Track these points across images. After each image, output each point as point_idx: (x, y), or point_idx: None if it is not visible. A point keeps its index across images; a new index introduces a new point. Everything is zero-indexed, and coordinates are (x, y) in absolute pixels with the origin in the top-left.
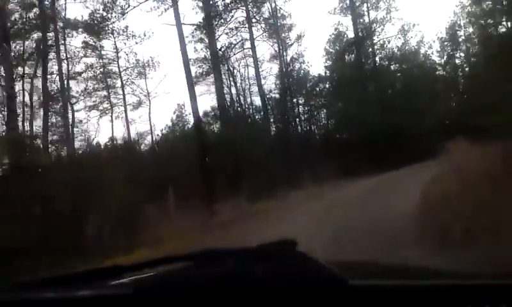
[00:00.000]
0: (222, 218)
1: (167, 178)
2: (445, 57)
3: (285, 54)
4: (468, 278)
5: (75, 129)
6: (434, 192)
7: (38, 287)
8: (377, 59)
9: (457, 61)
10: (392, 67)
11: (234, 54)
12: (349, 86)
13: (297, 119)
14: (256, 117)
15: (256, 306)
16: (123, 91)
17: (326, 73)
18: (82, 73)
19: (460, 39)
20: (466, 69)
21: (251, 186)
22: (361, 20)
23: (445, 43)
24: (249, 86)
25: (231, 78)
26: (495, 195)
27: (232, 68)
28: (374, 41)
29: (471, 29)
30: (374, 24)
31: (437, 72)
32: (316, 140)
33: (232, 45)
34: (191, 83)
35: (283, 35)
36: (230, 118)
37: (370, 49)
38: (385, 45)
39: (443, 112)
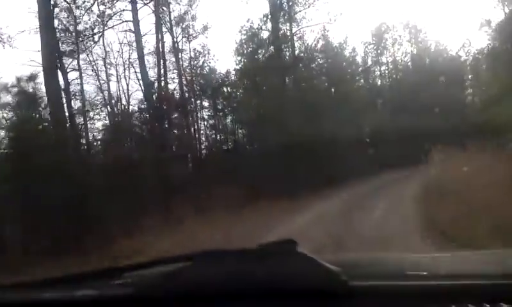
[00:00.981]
0: None
1: None
2: (370, 62)
3: (188, 46)
4: (467, 278)
5: None
6: None
7: (38, 287)
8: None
9: (383, 67)
10: (315, 65)
11: (109, 27)
12: (264, 84)
13: (198, 126)
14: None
15: (257, 306)
16: None
17: (235, 70)
18: None
19: (388, 43)
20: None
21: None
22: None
23: (370, 46)
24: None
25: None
26: None
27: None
28: (294, 31)
29: (401, 33)
30: (295, 6)
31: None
32: (220, 153)
33: (105, 18)
34: None
35: (184, 24)
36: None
37: (289, 40)
38: (306, 38)
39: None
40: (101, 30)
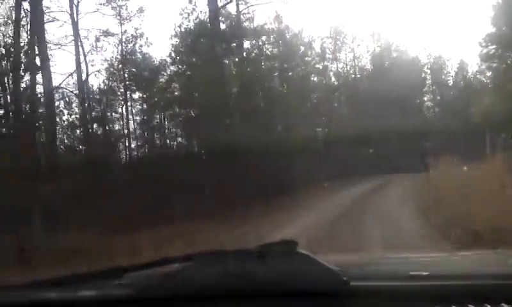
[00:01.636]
0: None
1: None
2: (330, 59)
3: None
4: (468, 278)
5: None
6: None
7: (38, 287)
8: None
9: (340, 65)
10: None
11: None
12: (206, 80)
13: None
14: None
15: (257, 306)
16: None
17: (172, 56)
18: None
19: (347, 39)
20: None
21: None
22: None
23: (328, 40)
24: None
25: None
26: None
27: None
28: (241, 9)
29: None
30: None
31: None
32: (146, 157)
33: None
34: None
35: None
36: None
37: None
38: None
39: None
40: None
